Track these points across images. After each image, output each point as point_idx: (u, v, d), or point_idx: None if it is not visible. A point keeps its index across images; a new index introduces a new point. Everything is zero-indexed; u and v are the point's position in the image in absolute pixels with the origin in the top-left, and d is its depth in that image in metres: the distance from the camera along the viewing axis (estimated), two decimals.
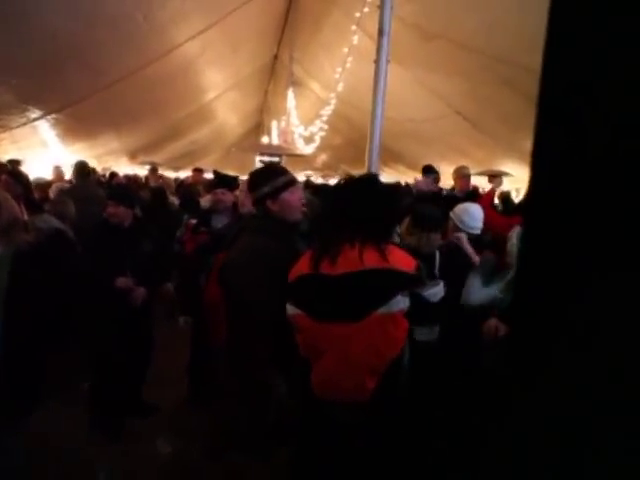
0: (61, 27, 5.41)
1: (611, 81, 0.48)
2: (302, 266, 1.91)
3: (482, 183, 7.87)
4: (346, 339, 1.77)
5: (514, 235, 2.84)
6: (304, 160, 13.57)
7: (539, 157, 0.56)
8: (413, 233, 2.80)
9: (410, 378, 1.94)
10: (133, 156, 12.59)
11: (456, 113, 7.59)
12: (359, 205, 1.89)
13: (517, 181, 7.58)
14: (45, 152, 8.90)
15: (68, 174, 8.90)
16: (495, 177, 6.76)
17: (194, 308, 3.37)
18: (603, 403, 0.48)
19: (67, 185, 6.36)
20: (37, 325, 2.30)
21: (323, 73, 9.76)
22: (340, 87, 7.32)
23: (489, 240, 3.41)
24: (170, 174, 14.52)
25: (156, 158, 12.72)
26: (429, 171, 5.76)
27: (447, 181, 8.61)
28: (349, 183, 2.03)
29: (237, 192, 3.95)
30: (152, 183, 8.87)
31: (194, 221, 3.90)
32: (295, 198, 2.33)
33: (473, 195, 5.33)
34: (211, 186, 4.25)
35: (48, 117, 7.54)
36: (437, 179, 5.92)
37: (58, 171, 7.77)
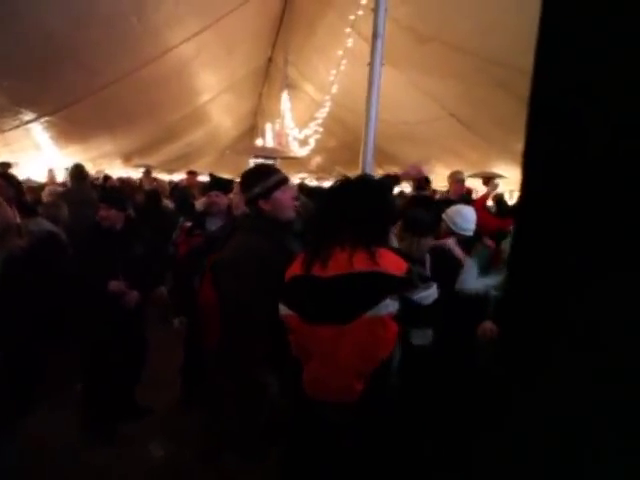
0: (55, 28, 5.39)
1: (608, 81, 0.48)
2: (296, 267, 1.91)
3: (476, 185, 7.90)
4: (334, 341, 1.77)
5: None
6: (298, 163, 13.57)
7: (531, 157, 0.56)
8: (404, 238, 2.80)
9: (405, 380, 1.94)
10: (127, 159, 12.55)
11: (450, 115, 7.61)
12: (351, 207, 1.89)
13: (511, 183, 7.59)
14: (38, 155, 8.85)
15: (61, 177, 8.88)
16: (490, 180, 6.79)
17: (188, 310, 3.36)
18: (603, 403, 0.48)
19: (60, 188, 6.34)
20: (30, 328, 2.29)
21: (317, 75, 9.76)
22: (334, 89, 7.32)
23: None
24: (164, 177, 14.48)
25: (150, 161, 12.68)
26: (420, 179, 5.84)
27: (440, 183, 8.65)
28: (342, 185, 2.03)
29: (231, 195, 3.95)
30: (146, 186, 8.84)
31: (189, 224, 3.89)
32: (287, 197, 2.34)
33: (467, 199, 5.35)
34: (205, 189, 4.25)
35: (41, 120, 7.50)
36: (428, 183, 6.00)
37: (51, 174, 7.74)
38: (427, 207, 2.98)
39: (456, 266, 3.01)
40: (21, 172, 7.92)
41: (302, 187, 6.08)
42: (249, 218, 2.41)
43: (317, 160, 15.45)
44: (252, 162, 8.53)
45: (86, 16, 5.44)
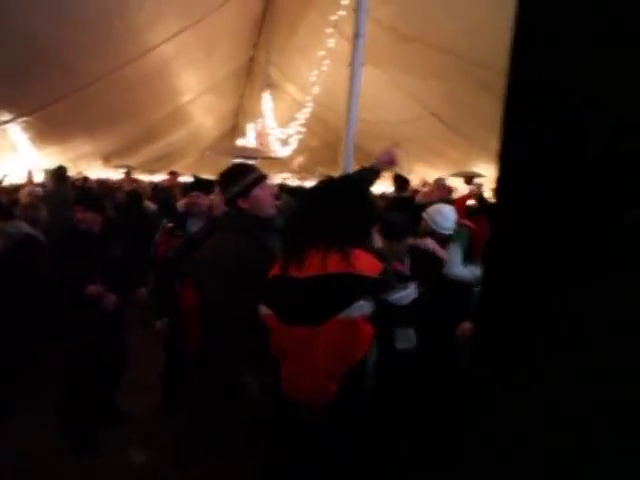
0: (33, 28, 5.29)
1: (592, 80, 0.48)
2: (276, 267, 1.91)
3: (457, 184, 7.96)
4: (308, 342, 1.77)
5: None
6: (280, 163, 13.55)
7: (506, 157, 0.56)
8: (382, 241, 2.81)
9: (385, 380, 1.94)
10: (107, 160, 12.38)
11: (432, 115, 7.66)
12: (331, 207, 1.89)
13: (492, 182, 7.67)
14: (15, 156, 8.70)
15: (39, 178, 8.72)
16: (472, 179, 6.87)
17: (169, 312, 3.33)
18: (587, 403, 0.48)
19: (38, 189, 6.24)
20: (10, 329, 2.25)
21: (299, 76, 9.76)
22: (316, 90, 7.33)
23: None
24: (145, 178, 14.34)
25: (131, 161, 12.54)
26: (399, 180, 5.95)
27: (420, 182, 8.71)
28: (324, 185, 2.03)
29: (212, 196, 3.93)
30: (126, 187, 8.75)
31: (171, 225, 3.86)
32: (266, 194, 2.35)
33: (448, 199, 5.42)
34: (186, 189, 4.22)
35: (19, 120, 7.37)
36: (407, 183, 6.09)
37: (29, 175, 7.62)
38: (406, 209, 2.99)
39: (438, 265, 3.02)
40: None
41: (283, 187, 6.08)
42: (228, 217, 2.41)
43: (299, 160, 15.44)
44: (234, 162, 8.50)
45: (65, 16, 5.36)
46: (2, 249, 3.56)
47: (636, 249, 0.44)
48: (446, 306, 2.80)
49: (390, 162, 2.69)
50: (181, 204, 4.77)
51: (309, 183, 12.65)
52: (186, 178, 10.31)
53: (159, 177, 14.62)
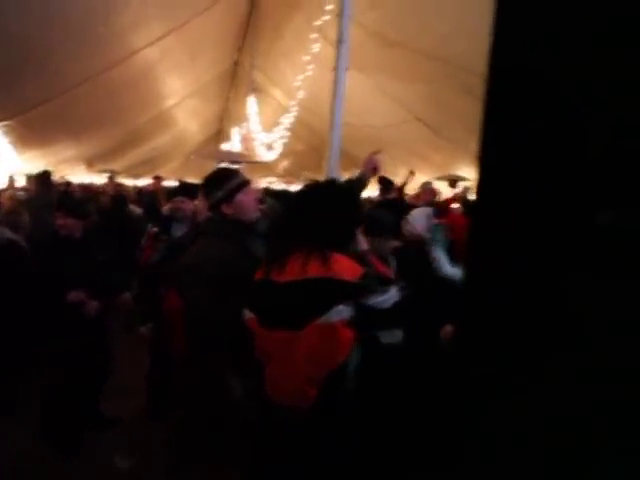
0: (16, 31, 5.23)
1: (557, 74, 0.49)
2: (260, 270, 1.91)
3: (442, 187, 8.02)
4: (288, 346, 1.77)
5: None
6: (266, 167, 13.51)
7: (485, 159, 0.57)
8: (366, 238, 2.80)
9: (370, 383, 1.94)
10: (90, 164, 12.25)
11: (417, 119, 7.71)
12: (312, 211, 1.90)
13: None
14: None
15: (21, 183, 8.60)
16: (457, 182, 6.94)
17: (154, 317, 3.31)
18: (588, 403, 0.48)
19: (21, 194, 6.16)
20: None
21: (284, 80, 9.76)
22: (301, 94, 7.33)
23: None
24: (130, 182, 14.21)
25: (115, 166, 12.42)
26: (384, 182, 5.96)
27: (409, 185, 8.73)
28: (307, 189, 2.04)
29: (196, 201, 3.91)
30: (110, 192, 8.67)
31: (156, 229, 3.84)
32: (250, 199, 2.36)
33: (432, 202, 5.46)
34: (170, 194, 4.19)
35: None
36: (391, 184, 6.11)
37: (11, 180, 7.52)
38: (392, 210, 2.99)
39: (424, 265, 3.02)
40: None
41: (267, 191, 6.09)
42: (212, 222, 2.40)
43: (284, 164, 15.41)
44: (219, 167, 8.46)
45: (47, 18, 5.30)
46: None
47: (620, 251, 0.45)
48: (438, 305, 2.80)
49: (374, 169, 2.70)
50: (166, 209, 4.74)
51: (294, 187, 12.65)
52: (171, 182, 10.25)
53: (143, 181, 14.51)
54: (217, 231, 2.29)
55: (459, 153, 8.01)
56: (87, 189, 9.52)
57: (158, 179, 8.68)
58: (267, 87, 10.97)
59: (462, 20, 4.94)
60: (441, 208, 4.25)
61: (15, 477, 2.97)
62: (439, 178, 7.55)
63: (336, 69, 3.52)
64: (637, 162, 0.45)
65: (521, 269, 0.53)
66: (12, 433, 3.35)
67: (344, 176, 3.16)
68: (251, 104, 9.68)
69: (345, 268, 1.76)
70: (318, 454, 1.82)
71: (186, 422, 2.90)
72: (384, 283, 1.87)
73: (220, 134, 16.65)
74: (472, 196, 6.40)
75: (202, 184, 2.46)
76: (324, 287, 1.73)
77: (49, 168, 7.58)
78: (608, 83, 0.46)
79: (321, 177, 3.35)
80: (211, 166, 10.25)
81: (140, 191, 9.62)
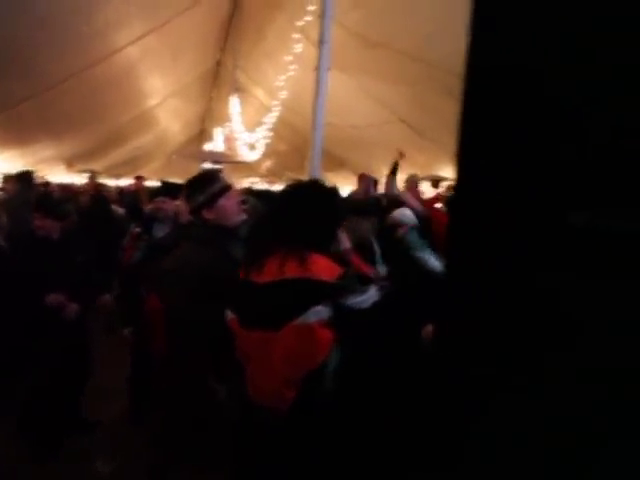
0: None
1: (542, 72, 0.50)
2: (241, 271, 1.91)
3: (425, 188, 8.06)
4: (266, 347, 1.77)
5: None
6: (248, 167, 13.46)
7: (463, 157, 0.58)
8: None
9: (352, 383, 1.94)
10: (70, 164, 12.06)
11: (400, 120, 7.75)
12: (294, 211, 1.89)
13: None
14: None
15: None
16: (439, 182, 6.97)
17: (135, 318, 3.28)
18: (587, 403, 0.49)
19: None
20: None
21: (267, 80, 9.73)
22: (284, 94, 7.32)
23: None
24: (111, 182, 14.03)
25: (95, 166, 12.23)
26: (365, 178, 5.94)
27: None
28: (290, 189, 2.04)
29: (178, 201, 3.88)
30: (90, 192, 8.55)
31: (138, 229, 3.81)
32: (232, 203, 2.34)
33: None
34: (153, 194, 4.16)
35: None
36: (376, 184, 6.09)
37: None
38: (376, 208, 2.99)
39: (408, 253, 3.02)
40: None
41: (250, 191, 6.05)
42: (194, 227, 2.38)
43: (267, 164, 15.37)
44: (202, 167, 8.41)
45: (26, 16, 5.22)
46: None
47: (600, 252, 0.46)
48: (422, 302, 2.81)
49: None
50: (148, 209, 4.70)
51: (277, 187, 12.62)
52: (153, 183, 10.15)
53: (125, 182, 14.33)
54: (198, 237, 2.27)
55: (442, 154, 8.06)
56: (66, 189, 9.37)
57: (140, 179, 8.61)
58: (250, 87, 10.93)
59: (445, 21, 4.96)
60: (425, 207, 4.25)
61: None
62: (422, 178, 7.58)
63: (318, 69, 3.53)
64: (611, 161, 0.46)
65: (497, 268, 0.54)
66: None
67: (326, 176, 3.17)
68: (234, 104, 9.63)
69: (323, 268, 1.75)
70: (298, 455, 1.81)
71: (168, 423, 2.88)
72: (364, 283, 1.87)
73: (203, 134, 16.53)
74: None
75: (184, 186, 2.44)
76: (301, 288, 1.72)
77: (27, 168, 7.47)
78: (599, 83, 0.47)
79: (304, 177, 3.35)
80: (194, 166, 10.21)
81: (122, 191, 9.51)
